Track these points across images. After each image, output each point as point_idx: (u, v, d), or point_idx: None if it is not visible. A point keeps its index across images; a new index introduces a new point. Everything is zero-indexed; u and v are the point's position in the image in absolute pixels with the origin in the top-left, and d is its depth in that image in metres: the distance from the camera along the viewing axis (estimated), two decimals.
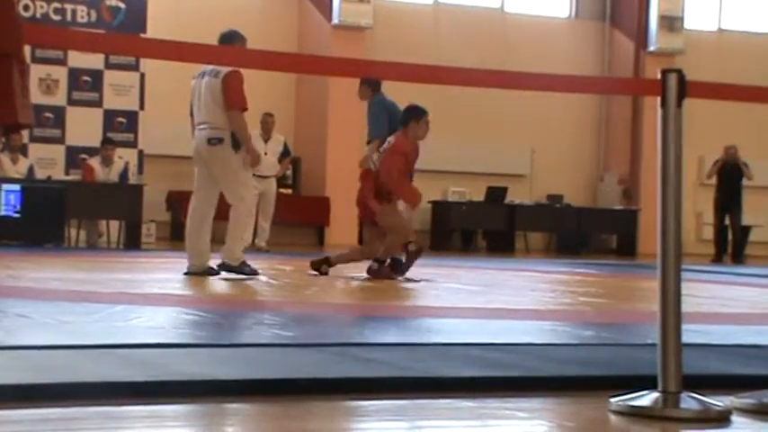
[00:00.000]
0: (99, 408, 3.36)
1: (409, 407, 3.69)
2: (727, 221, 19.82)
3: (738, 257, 19.84)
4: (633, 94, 18.82)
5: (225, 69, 9.28)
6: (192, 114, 9.73)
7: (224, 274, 9.38)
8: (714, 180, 19.95)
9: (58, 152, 17.90)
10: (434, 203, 20.90)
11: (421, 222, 20.19)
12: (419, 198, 10.29)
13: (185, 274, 9.46)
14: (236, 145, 9.39)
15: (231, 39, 9.53)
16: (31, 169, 16.46)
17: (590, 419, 3.60)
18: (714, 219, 20.00)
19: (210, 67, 9.31)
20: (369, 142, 11.21)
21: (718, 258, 19.43)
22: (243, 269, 9.41)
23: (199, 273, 9.42)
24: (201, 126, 9.51)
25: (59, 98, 17.99)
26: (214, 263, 9.49)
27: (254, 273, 9.45)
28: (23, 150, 16.89)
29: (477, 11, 22.53)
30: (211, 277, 9.32)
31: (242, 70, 9.31)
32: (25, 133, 16.19)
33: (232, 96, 9.38)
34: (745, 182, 19.64)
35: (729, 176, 19.59)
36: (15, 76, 2.89)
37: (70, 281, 8.82)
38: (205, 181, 9.61)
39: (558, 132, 22.91)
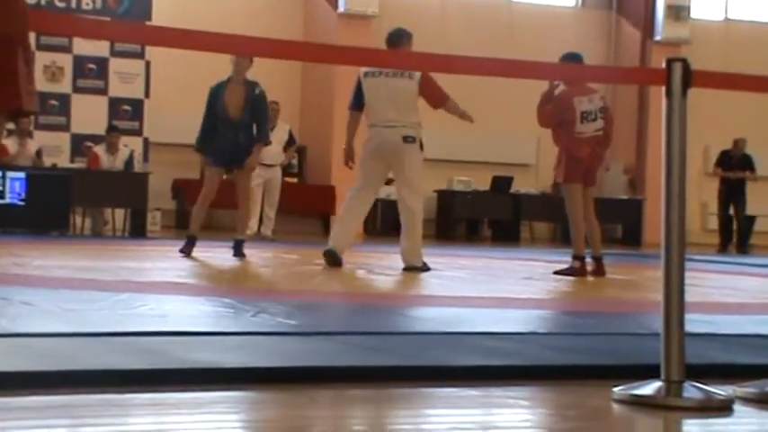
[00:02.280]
0: (103, 395, 3.37)
1: (413, 395, 3.70)
2: (731, 211, 19.82)
3: (743, 247, 19.83)
4: (638, 83, 18.80)
5: (415, 72, 9.73)
6: (351, 108, 10.12)
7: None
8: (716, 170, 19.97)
9: (63, 140, 17.92)
10: (439, 192, 20.88)
11: (426, 211, 20.16)
12: None
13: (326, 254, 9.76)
14: (422, 145, 9.88)
15: (399, 38, 9.95)
16: (39, 153, 16.40)
17: (593, 408, 3.60)
18: (718, 209, 19.99)
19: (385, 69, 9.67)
20: None
21: (722, 248, 19.42)
22: (426, 267, 9.77)
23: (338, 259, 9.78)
24: (392, 124, 9.83)
25: (64, 86, 18.01)
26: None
27: (428, 269, 9.78)
28: (30, 136, 16.86)
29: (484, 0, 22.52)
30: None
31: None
32: (30, 121, 16.18)
33: (438, 92, 9.96)
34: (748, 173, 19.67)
35: (736, 168, 19.59)
36: (20, 62, 2.89)
37: (75, 269, 8.83)
38: (380, 176, 10.12)
39: None
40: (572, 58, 9.99)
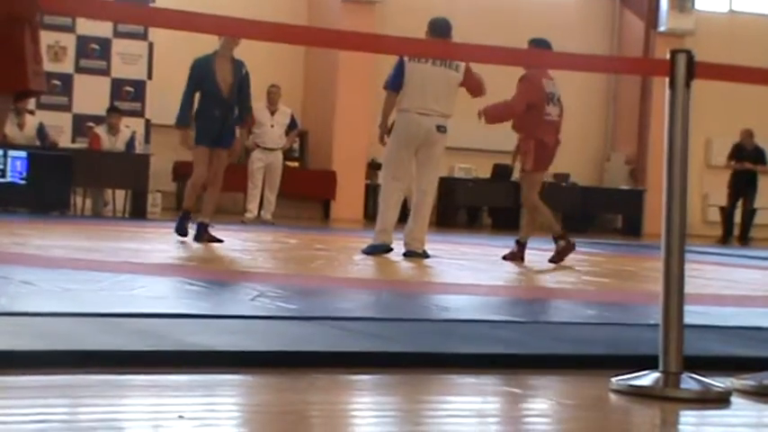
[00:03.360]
0: (102, 376, 3.37)
1: (410, 382, 3.70)
2: (738, 204, 19.84)
3: (745, 240, 19.82)
4: (641, 74, 18.78)
5: (461, 63, 9.81)
6: (391, 88, 9.96)
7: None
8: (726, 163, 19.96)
9: (65, 120, 17.90)
10: (441, 180, 20.76)
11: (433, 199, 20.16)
12: None
13: (372, 250, 9.71)
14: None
15: (449, 29, 10.01)
16: (40, 129, 16.35)
17: (590, 398, 3.61)
18: (727, 201, 19.97)
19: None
20: None
21: (725, 240, 19.42)
22: (426, 254, 9.74)
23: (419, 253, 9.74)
24: (429, 112, 9.84)
25: (67, 66, 17.98)
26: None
27: (428, 256, 9.72)
28: (32, 113, 16.81)
29: None
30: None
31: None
32: (32, 100, 16.16)
33: (481, 82, 10.04)
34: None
35: (747, 160, 19.61)
36: (28, 42, 2.87)
37: (75, 249, 8.84)
38: (409, 163, 9.99)
39: (566, 111, 22.60)
40: (540, 44, 9.99)
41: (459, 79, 9.92)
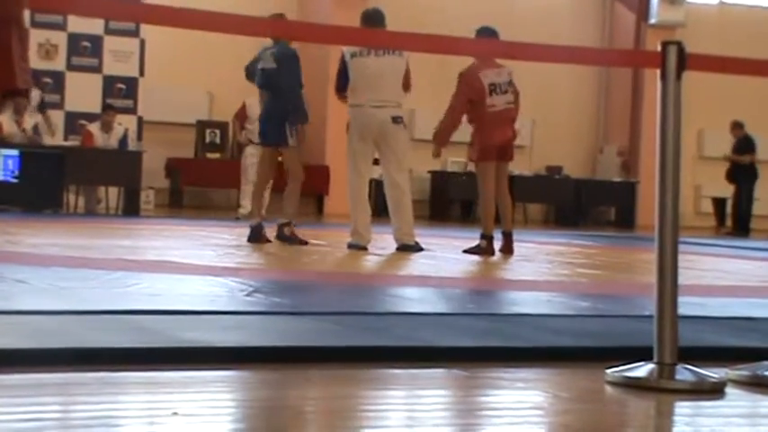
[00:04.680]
0: (96, 373, 3.37)
1: (405, 376, 3.71)
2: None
3: (744, 229, 19.79)
4: (633, 66, 18.79)
5: (403, 50, 9.65)
6: (340, 90, 9.96)
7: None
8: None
9: (57, 117, 17.86)
10: (434, 173, 20.89)
11: (420, 192, 20.19)
12: None
13: (351, 247, 9.68)
14: (405, 124, 9.95)
15: (382, 19, 9.96)
16: (36, 128, 16.33)
17: (585, 390, 3.61)
18: (734, 195, 19.98)
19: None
20: None
21: (735, 231, 19.42)
22: (419, 247, 9.76)
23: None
24: (381, 103, 9.76)
25: (59, 63, 17.95)
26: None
27: (421, 249, 9.77)
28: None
29: None
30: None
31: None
32: (29, 101, 16.11)
33: (409, 76, 9.88)
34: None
35: (743, 151, 19.64)
36: (14, 41, 2.89)
37: (68, 247, 8.83)
38: (370, 156, 9.96)
39: (559, 104, 22.88)
40: (488, 33, 9.91)
41: (403, 65, 9.80)
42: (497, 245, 9.97)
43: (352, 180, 9.96)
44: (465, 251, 9.87)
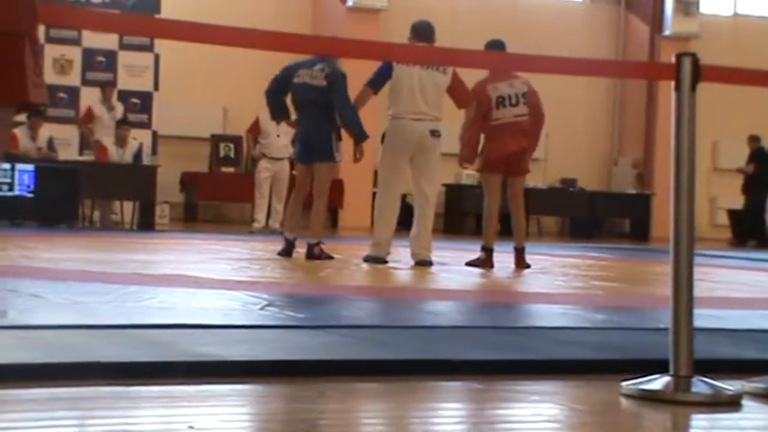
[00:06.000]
0: (111, 388, 3.37)
1: (422, 389, 3.70)
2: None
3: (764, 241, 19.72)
4: (647, 78, 18.80)
5: (448, 67, 9.65)
6: (372, 85, 9.91)
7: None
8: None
9: (72, 132, 17.92)
10: (448, 187, 20.87)
11: (435, 205, 20.14)
12: None
13: (368, 258, 9.72)
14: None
15: (432, 31, 10.01)
16: (50, 142, 16.36)
17: (601, 403, 3.60)
18: (746, 201, 19.97)
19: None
20: None
21: (760, 243, 19.36)
22: (431, 261, 9.73)
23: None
24: (422, 116, 9.79)
25: (73, 78, 18.01)
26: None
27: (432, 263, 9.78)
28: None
29: None
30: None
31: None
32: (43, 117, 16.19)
33: (467, 91, 9.93)
34: None
35: (760, 161, 19.64)
36: (28, 56, 2.90)
37: (84, 261, 8.84)
38: (404, 169, 9.95)
39: (573, 116, 22.86)
40: (497, 46, 9.94)
41: (447, 83, 9.83)
42: (510, 260, 9.94)
43: (382, 192, 9.98)
44: (467, 264, 9.85)
